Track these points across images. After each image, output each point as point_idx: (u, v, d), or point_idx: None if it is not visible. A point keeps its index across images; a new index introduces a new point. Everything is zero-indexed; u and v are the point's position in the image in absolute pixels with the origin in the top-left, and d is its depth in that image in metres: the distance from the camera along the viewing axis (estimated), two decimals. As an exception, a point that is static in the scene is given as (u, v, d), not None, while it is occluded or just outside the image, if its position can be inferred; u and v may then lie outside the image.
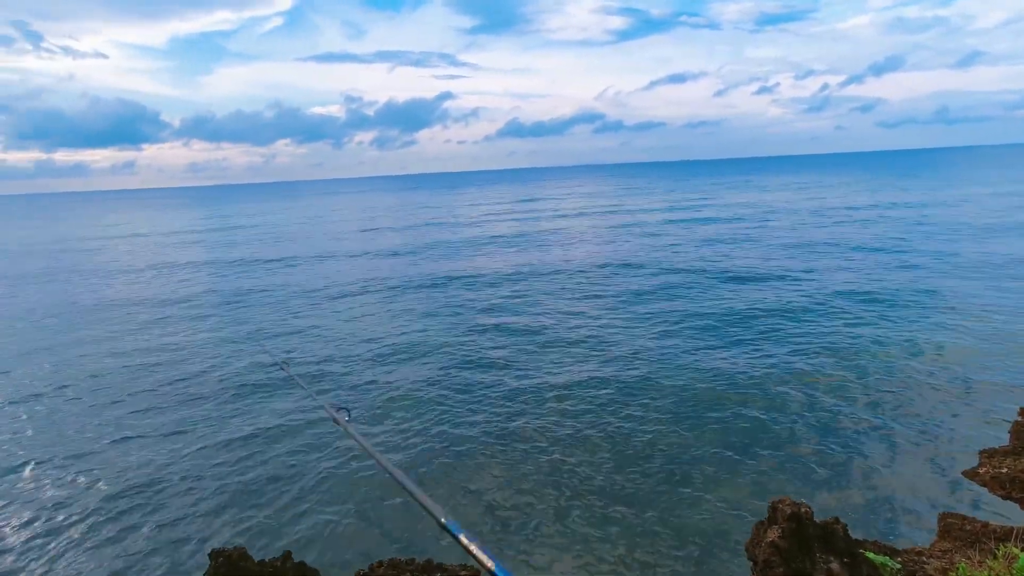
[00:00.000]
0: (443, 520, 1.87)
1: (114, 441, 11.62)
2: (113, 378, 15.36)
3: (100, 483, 9.98)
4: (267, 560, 5.58)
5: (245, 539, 8.15)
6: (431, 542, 7.58)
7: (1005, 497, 7.43)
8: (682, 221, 46.70)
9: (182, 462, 10.58)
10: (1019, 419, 8.50)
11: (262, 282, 28.54)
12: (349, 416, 3.79)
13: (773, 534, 4.16)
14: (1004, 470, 7.56)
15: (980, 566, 4.40)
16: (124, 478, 10.10)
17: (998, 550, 4.63)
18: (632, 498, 8.54)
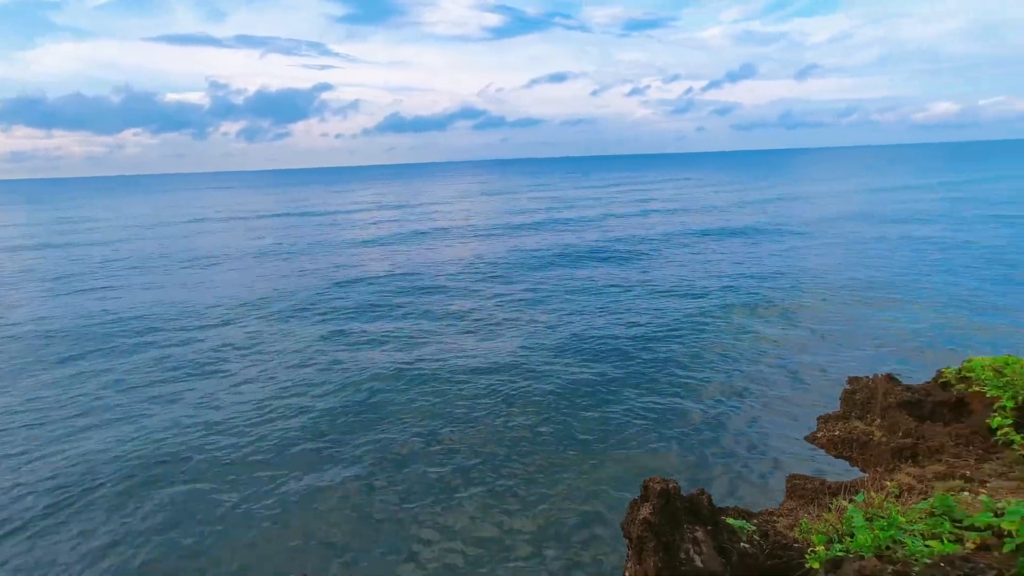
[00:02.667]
0: None
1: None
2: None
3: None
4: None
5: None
6: None
7: (838, 456, 8.47)
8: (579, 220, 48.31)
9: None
10: (847, 387, 9.70)
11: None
12: None
13: (645, 511, 4.39)
14: (837, 432, 8.60)
15: (818, 520, 4.96)
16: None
17: (832, 504, 5.25)
18: (516, 485, 8.69)
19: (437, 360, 14.48)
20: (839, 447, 8.59)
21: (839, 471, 8.17)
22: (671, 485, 4.58)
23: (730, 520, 5.15)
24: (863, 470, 8.11)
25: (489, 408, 11.50)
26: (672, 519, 4.48)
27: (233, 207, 70.11)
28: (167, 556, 7.70)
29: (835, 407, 10.18)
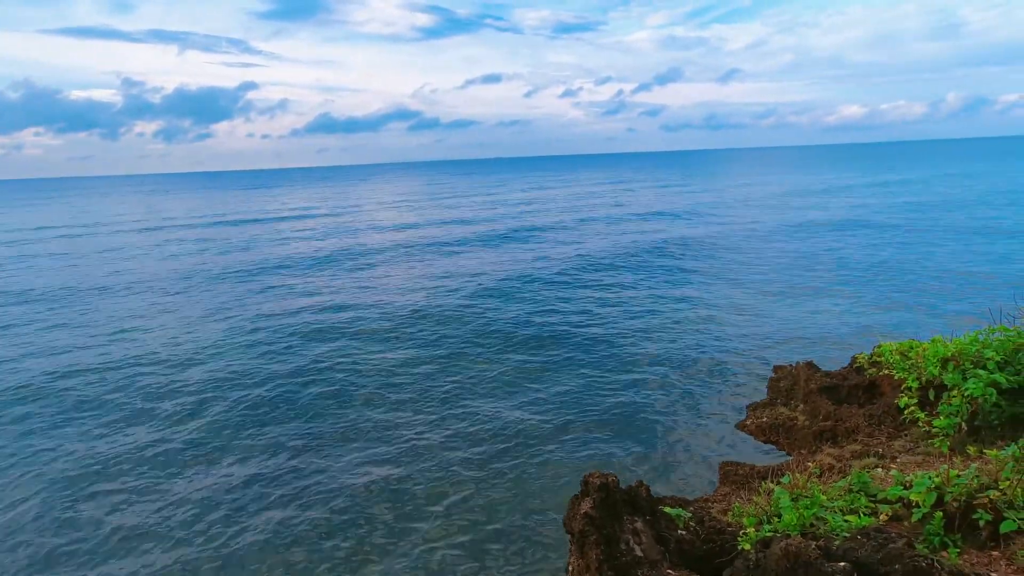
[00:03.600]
0: None
1: None
2: None
3: None
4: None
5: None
6: None
7: (766, 441, 8.91)
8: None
9: None
10: (773, 375, 10.24)
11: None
12: None
13: (586, 505, 4.45)
14: (764, 419, 9.05)
15: (749, 503, 5.19)
16: None
17: (761, 488, 5.51)
18: (460, 484, 8.64)
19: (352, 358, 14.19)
20: (767, 432, 9.05)
21: (768, 455, 8.60)
22: (610, 479, 4.67)
23: (667, 509, 5.30)
24: (789, 453, 8.58)
25: (413, 407, 11.39)
26: (612, 512, 4.57)
27: (143, 214, 65.71)
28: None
29: (763, 396, 10.73)
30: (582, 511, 4.44)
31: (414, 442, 10.23)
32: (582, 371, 13.17)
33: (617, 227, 37.37)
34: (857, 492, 5.15)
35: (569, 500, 4.76)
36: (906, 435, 7.18)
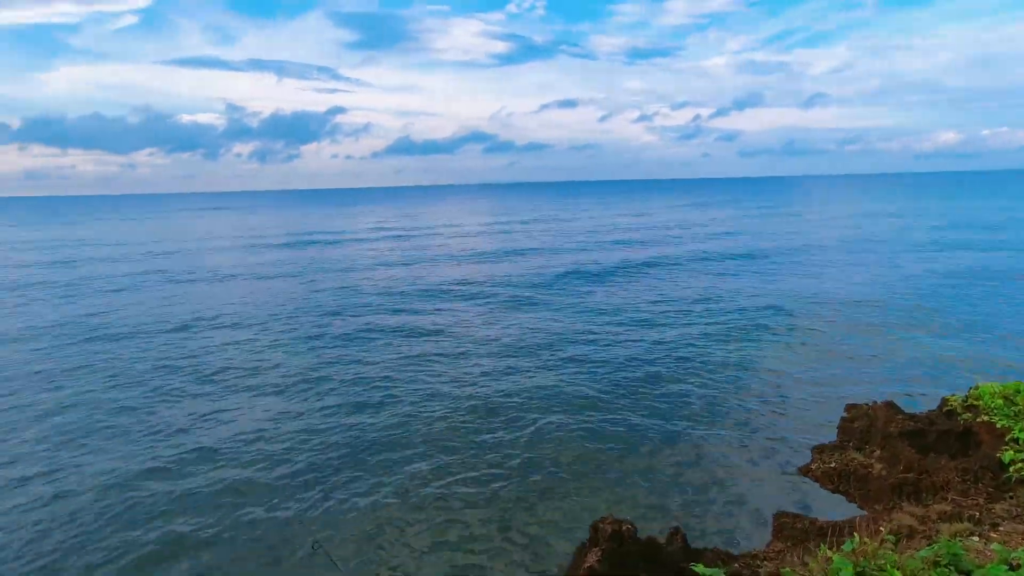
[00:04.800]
0: None
1: None
2: None
3: None
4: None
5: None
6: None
7: (834, 491, 7.71)
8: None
9: None
10: (845, 415, 8.99)
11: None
12: None
13: (592, 558, 3.71)
14: (832, 464, 7.86)
15: (803, 569, 4.25)
16: None
17: (819, 551, 4.53)
18: (475, 504, 7.95)
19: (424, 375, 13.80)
20: (835, 480, 7.84)
21: (834, 507, 7.40)
22: (624, 528, 3.91)
23: (700, 569, 4.44)
24: (861, 507, 7.36)
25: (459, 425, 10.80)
26: (623, 567, 3.80)
27: (244, 230, 68.21)
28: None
29: (831, 437, 9.44)
30: (586, 565, 3.69)
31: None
32: (625, 395, 12.19)
33: (692, 264, 35.82)
34: (945, 566, 4.10)
35: (575, 550, 4.02)
36: (1010, 497, 5.91)
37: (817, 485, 7.89)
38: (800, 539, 5.83)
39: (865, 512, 6.63)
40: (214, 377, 14.55)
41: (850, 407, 9.43)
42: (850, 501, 7.40)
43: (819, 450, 8.67)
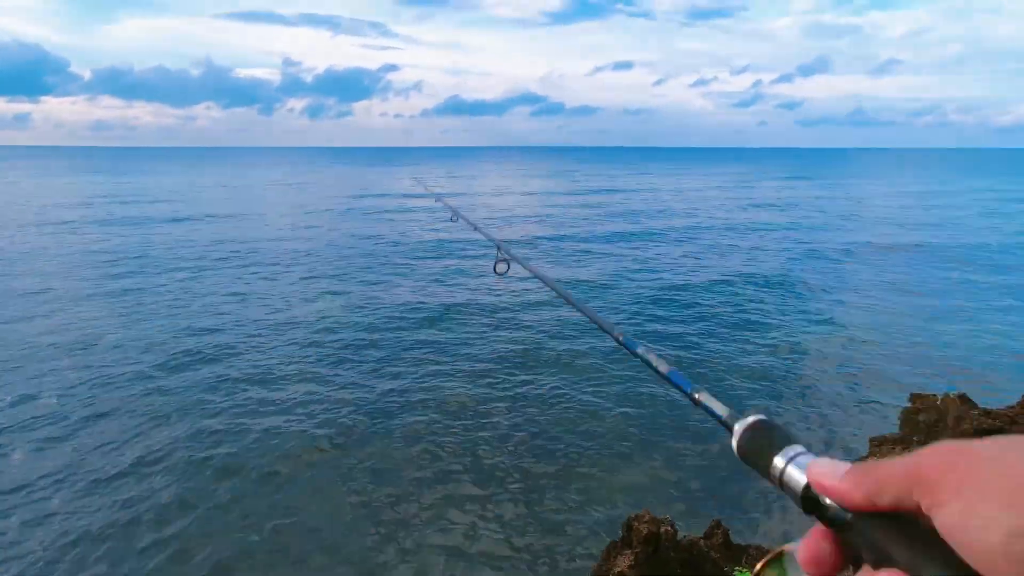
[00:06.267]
0: (620, 338, 1.73)
1: None
2: None
3: None
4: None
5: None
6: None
7: (892, 487, 7.15)
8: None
9: None
10: (909, 406, 8.31)
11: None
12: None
13: (623, 562, 3.38)
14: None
15: None
16: None
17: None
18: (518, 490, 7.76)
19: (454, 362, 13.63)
20: (895, 476, 7.28)
21: (893, 506, 6.84)
22: (663, 528, 3.55)
23: (743, 573, 4.08)
24: (923, 507, 6.81)
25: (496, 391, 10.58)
26: (660, 571, 3.46)
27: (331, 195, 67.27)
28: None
29: (891, 429, 8.78)
30: (617, 570, 3.37)
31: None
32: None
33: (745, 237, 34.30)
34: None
35: (605, 548, 3.69)
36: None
37: (874, 480, 7.34)
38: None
39: (929, 515, 6.08)
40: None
41: (915, 396, 8.71)
42: (910, 500, 6.85)
43: (878, 442, 8.06)
